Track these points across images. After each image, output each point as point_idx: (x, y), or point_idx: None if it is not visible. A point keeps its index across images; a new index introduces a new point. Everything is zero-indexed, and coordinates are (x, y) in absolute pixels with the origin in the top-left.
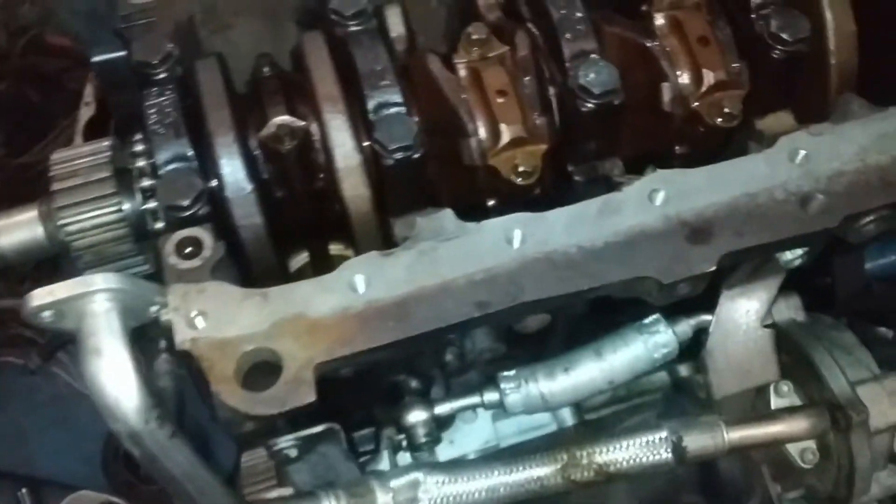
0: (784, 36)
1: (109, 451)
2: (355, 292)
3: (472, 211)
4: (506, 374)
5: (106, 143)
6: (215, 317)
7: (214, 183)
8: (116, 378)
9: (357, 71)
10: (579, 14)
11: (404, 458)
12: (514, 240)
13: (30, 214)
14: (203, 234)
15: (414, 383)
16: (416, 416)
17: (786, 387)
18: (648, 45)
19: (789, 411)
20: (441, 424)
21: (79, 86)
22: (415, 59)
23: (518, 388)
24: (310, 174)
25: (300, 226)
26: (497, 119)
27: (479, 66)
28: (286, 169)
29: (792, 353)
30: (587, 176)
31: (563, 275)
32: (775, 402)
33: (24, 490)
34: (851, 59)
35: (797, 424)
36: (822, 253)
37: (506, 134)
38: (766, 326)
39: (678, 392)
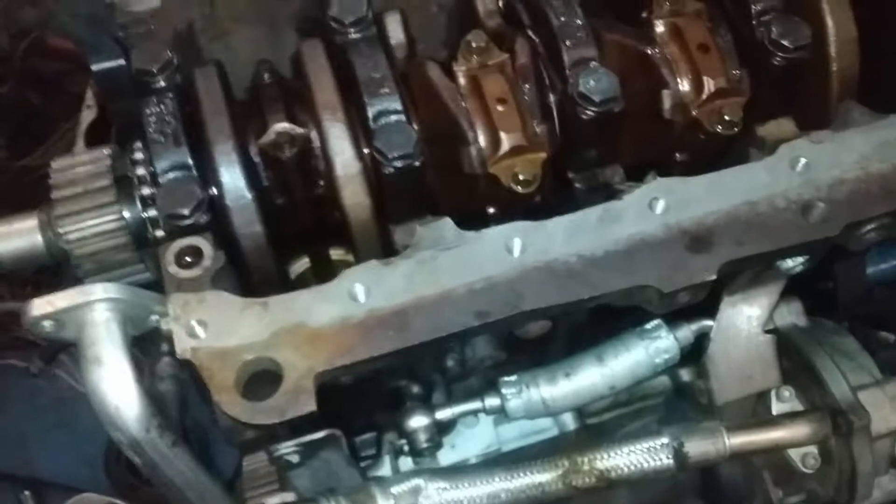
0: (785, 43)
1: (112, 453)
2: (355, 301)
3: (472, 219)
4: (507, 379)
5: (106, 151)
6: (215, 326)
7: (214, 191)
8: (117, 387)
9: (357, 79)
10: (579, 21)
11: (406, 462)
12: (513, 248)
13: (30, 223)
14: (203, 243)
15: (415, 388)
16: (418, 422)
17: (787, 392)
18: (649, 52)
19: (790, 416)
20: (442, 429)
21: (80, 89)
22: (414, 66)
23: (519, 393)
24: (310, 181)
25: (300, 232)
26: (497, 127)
27: (478, 74)
28: (286, 176)
29: (793, 358)
30: (588, 183)
31: (562, 284)
32: (777, 407)
33: (26, 492)
34: (852, 66)
35: (798, 430)
36: (824, 258)
37: (506, 142)
38: (767, 331)
39: (680, 397)
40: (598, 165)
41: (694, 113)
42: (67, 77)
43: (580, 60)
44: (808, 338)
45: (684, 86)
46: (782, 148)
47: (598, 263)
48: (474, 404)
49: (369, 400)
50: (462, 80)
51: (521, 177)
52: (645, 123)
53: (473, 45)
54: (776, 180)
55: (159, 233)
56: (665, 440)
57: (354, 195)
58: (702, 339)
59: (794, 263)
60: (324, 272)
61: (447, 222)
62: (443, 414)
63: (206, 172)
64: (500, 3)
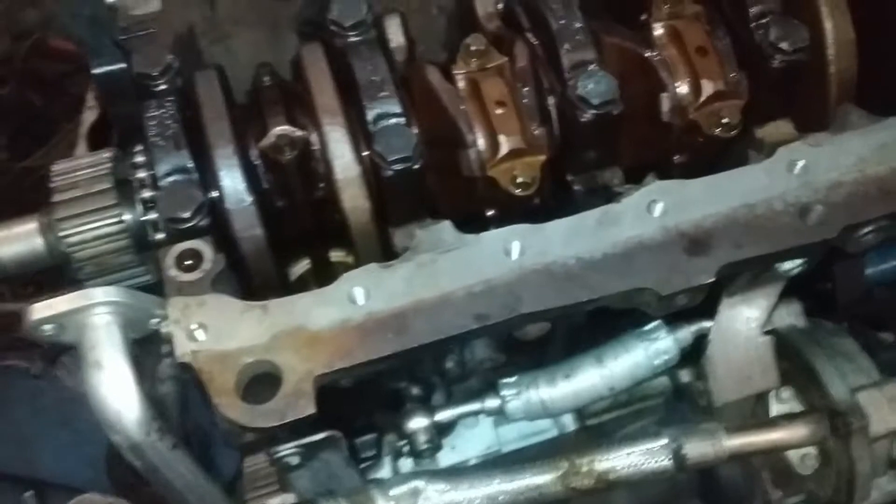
0: (783, 45)
1: (114, 453)
2: (355, 304)
3: (471, 221)
4: (506, 380)
5: (107, 154)
6: (215, 329)
7: (215, 195)
8: (118, 391)
9: (356, 82)
10: (578, 24)
11: (406, 463)
12: (512, 251)
13: (30, 226)
14: (203, 246)
15: (415, 390)
16: (417, 423)
17: (786, 393)
18: (647, 55)
19: (789, 418)
20: (442, 431)
21: (81, 90)
22: (414, 70)
23: (519, 394)
24: (310, 184)
25: (300, 234)
26: (496, 130)
27: (477, 77)
28: (286, 179)
29: (792, 359)
30: (587, 185)
31: (561, 286)
32: (776, 409)
33: (28, 493)
34: (851, 68)
35: (797, 431)
36: (823, 259)
37: (504, 145)
38: (766, 333)
39: (679, 398)
40: (596, 168)
41: (692, 115)
42: (69, 78)
43: (579, 63)
44: (807, 339)
45: (683, 88)
46: (780, 151)
47: (596, 266)
48: (474, 406)
49: (369, 401)
50: (461, 84)
51: (519, 179)
52: (644, 126)
53: (472, 48)
54: (774, 183)
55: (160, 236)
56: (664, 442)
57: (354, 198)
58: (701, 340)
59: (792, 265)
60: (324, 274)
61: (447, 225)
62: (442, 415)
63: (207, 176)
64: (500, 6)
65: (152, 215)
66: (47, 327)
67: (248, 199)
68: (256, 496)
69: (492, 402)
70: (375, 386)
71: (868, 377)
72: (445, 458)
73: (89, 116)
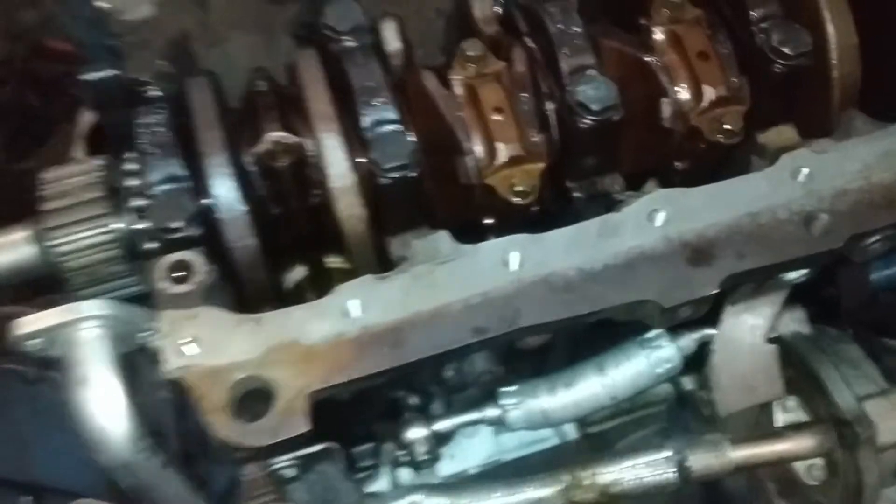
0: (785, 50)
1: None
2: (349, 318)
3: (468, 229)
4: (507, 389)
5: (98, 161)
6: (207, 344)
7: (207, 203)
8: (105, 408)
9: (352, 88)
10: (577, 28)
11: (405, 473)
12: (511, 263)
13: (20, 235)
14: (194, 257)
15: (413, 399)
16: (416, 433)
17: (791, 402)
18: (647, 59)
19: (795, 429)
20: (441, 440)
21: (79, 91)
22: (410, 75)
23: (519, 404)
24: (305, 190)
25: (296, 241)
26: (494, 137)
27: (475, 83)
28: (281, 185)
29: (797, 366)
30: (586, 192)
31: (561, 299)
32: (781, 418)
33: (26, 498)
34: (854, 73)
35: (803, 442)
36: (827, 265)
37: (503, 152)
38: (770, 340)
39: (682, 407)
40: (596, 174)
41: (694, 121)
42: (67, 79)
43: (578, 68)
44: (812, 346)
45: (684, 94)
46: (784, 158)
47: (597, 278)
48: (474, 415)
49: (367, 410)
50: (458, 89)
51: (518, 188)
52: (644, 132)
53: (469, 53)
54: (778, 191)
55: (151, 245)
56: (668, 454)
57: (349, 207)
58: (704, 347)
59: (797, 274)
60: (320, 280)
61: (443, 235)
62: (441, 425)
63: (199, 184)
64: (498, 10)
65: (144, 224)
66: (34, 342)
67: (242, 208)
68: None
69: (492, 412)
70: (373, 395)
71: (874, 384)
72: (444, 467)
73: (88, 118)
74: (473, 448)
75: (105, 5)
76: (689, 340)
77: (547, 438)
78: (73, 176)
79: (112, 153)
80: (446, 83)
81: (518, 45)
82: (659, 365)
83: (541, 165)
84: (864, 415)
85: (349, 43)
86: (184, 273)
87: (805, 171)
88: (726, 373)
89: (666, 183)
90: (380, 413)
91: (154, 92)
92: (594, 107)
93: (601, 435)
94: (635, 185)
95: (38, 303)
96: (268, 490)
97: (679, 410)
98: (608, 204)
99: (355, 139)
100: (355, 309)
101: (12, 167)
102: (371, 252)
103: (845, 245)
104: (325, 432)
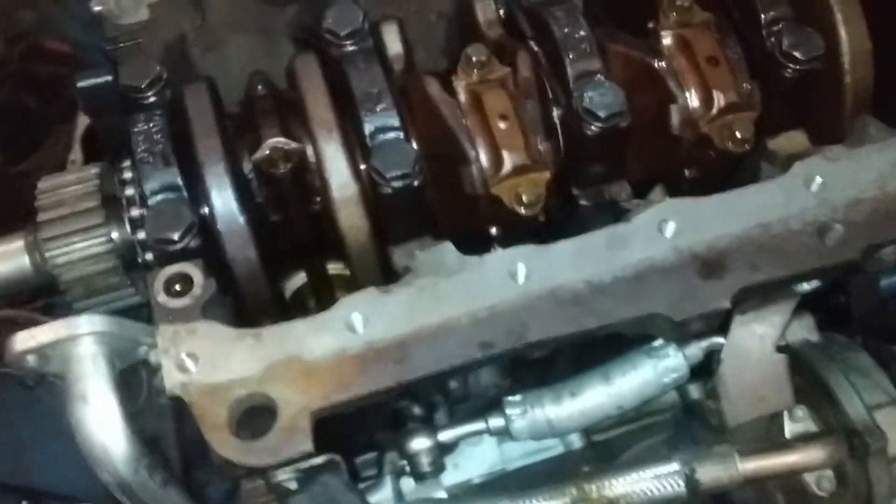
0: (797, 54)
1: None
2: (353, 332)
3: (473, 238)
4: (511, 399)
5: (94, 170)
6: (206, 359)
7: (205, 213)
8: (104, 426)
9: (352, 93)
10: (583, 32)
11: (408, 483)
12: (517, 275)
13: (15, 245)
14: (193, 270)
15: (417, 409)
16: (419, 444)
17: (801, 411)
18: (655, 64)
19: (805, 440)
20: (445, 451)
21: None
22: (412, 80)
23: (524, 413)
24: (305, 197)
25: (296, 248)
26: (499, 145)
27: (479, 89)
28: (281, 192)
29: (805, 375)
30: (593, 200)
31: (569, 313)
32: (790, 427)
33: (24, 502)
34: (867, 78)
35: (813, 454)
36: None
37: (508, 161)
38: (779, 348)
39: (689, 416)
40: (603, 182)
41: (704, 129)
42: (64, 81)
43: (584, 73)
44: (821, 354)
45: (693, 100)
46: (797, 166)
47: (605, 291)
48: (478, 425)
49: (370, 420)
50: (462, 96)
51: (524, 198)
52: (652, 139)
53: (474, 59)
54: (791, 201)
55: (149, 256)
56: (676, 466)
57: (351, 217)
58: (711, 356)
59: (807, 285)
60: (321, 287)
61: (448, 247)
62: (445, 436)
63: (197, 194)
64: (502, 13)
65: (141, 234)
66: (30, 358)
67: (241, 219)
68: None
69: (496, 422)
70: (376, 406)
71: (884, 393)
72: (448, 476)
73: (84, 120)
74: (477, 457)
75: (101, 9)
76: (697, 349)
77: (551, 447)
78: (69, 185)
79: (108, 159)
80: (450, 89)
81: (522, 50)
82: (666, 374)
83: (547, 175)
84: (874, 425)
85: (349, 47)
86: (182, 286)
87: (818, 180)
88: (735, 383)
89: (674, 191)
90: (383, 423)
91: (151, 98)
92: (601, 113)
93: (606, 443)
94: (643, 192)
95: (34, 306)
96: (268, 498)
97: (686, 420)
98: (615, 212)
99: (357, 146)
100: (358, 323)
101: (9, 169)
102: (374, 262)
103: (860, 256)
104: (327, 443)
